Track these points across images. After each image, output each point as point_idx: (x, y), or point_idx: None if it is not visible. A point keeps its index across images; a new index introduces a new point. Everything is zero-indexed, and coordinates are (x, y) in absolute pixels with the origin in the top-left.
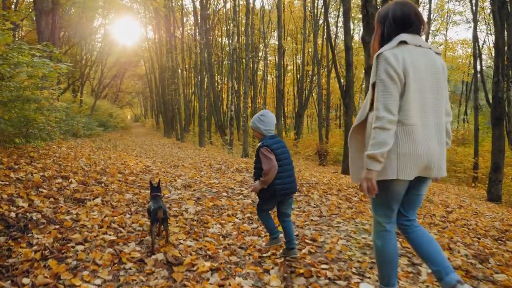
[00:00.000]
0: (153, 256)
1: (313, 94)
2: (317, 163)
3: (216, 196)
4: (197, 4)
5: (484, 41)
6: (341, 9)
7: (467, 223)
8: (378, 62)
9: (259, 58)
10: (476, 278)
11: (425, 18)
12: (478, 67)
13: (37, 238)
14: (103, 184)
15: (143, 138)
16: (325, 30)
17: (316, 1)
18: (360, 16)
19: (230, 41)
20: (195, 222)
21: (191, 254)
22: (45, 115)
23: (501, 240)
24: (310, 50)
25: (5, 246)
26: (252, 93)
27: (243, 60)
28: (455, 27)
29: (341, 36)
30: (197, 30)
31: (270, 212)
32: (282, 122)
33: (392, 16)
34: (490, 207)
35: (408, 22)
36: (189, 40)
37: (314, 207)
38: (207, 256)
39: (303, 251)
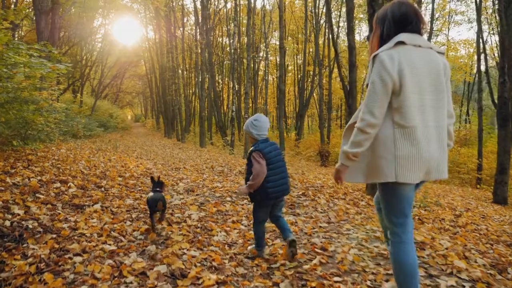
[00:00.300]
0: (155, 268)
1: (314, 94)
2: (319, 163)
3: (220, 201)
4: (198, 4)
5: (486, 41)
6: (343, 10)
7: (477, 228)
8: (373, 63)
9: (260, 58)
10: None
11: (428, 18)
12: (483, 67)
13: (33, 249)
14: (103, 189)
15: (144, 138)
16: (327, 30)
17: (318, 1)
18: (361, 16)
19: (231, 41)
20: (199, 230)
21: (195, 266)
22: (44, 116)
23: None
24: (311, 50)
25: None
26: (252, 93)
27: (244, 60)
28: (457, 27)
29: (342, 36)
30: (198, 30)
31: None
32: (283, 122)
33: (391, 15)
34: (496, 209)
35: (407, 21)
36: (190, 40)
37: (321, 212)
38: (213, 268)
39: (314, 261)
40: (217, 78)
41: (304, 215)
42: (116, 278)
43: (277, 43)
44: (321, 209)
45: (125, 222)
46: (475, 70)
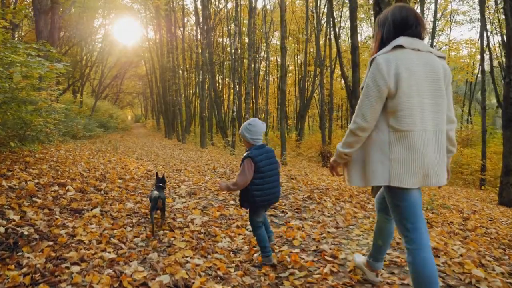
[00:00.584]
0: (157, 279)
1: (315, 94)
2: (321, 164)
3: (224, 205)
4: (198, 4)
5: (488, 42)
6: (343, 9)
7: (487, 232)
8: (370, 67)
9: (261, 58)
10: None
11: (431, 18)
12: (488, 67)
13: (28, 257)
14: (102, 192)
15: (144, 139)
16: (328, 30)
17: (319, 0)
18: (363, 16)
19: (232, 41)
20: (202, 235)
21: (200, 275)
22: (43, 117)
23: None
24: (311, 50)
25: None
26: (253, 94)
27: (245, 61)
28: (459, 27)
29: (342, 36)
30: (199, 30)
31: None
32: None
33: (392, 19)
34: (502, 211)
35: (407, 25)
36: (190, 40)
37: (328, 216)
38: (218, 277)
39: (325, 270)
40: (217, 79)
41: (311, 219)
42: None
43: (278, 43)
44: (328, 213)
45: (125, 228)
46: (476, 70)
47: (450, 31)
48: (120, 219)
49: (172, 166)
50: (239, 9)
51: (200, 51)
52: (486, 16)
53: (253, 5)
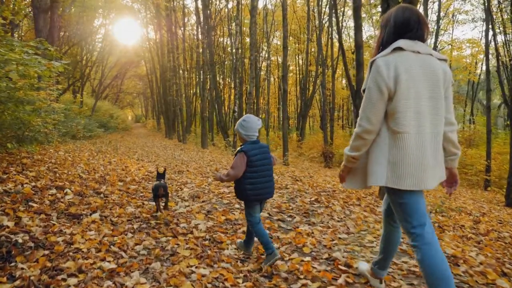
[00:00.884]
0: None
1: (316, 94)
2: (323, 165)
3: (228, 209)
4: (199, 3)
5: (490, 40)
6: (345, 9)
7: (500, 236)
8: (370, 69)
9: (262, 58)
10: None
11: (434, 17)
12: (491, 67)
13: (22, 268)
14: (102, 195)
15: (145, 139)
16: (330, 29)
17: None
18: (364, 15)
19: (233, 41)
20: (207, 242)
21: (206, 287)
22: (42, 117)
23: None
24: (312, 50)
25: None
26: (254, 94)
27: (245, 60)
28: (461, 26)
29: (343, 36)
30: (200, 30)
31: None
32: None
33: (394, 20)
34: (510, 213)
35: (409, 27)
36: (191, 39)
37: (338, 221)
38: None
39: (339, 281)
40: (218, 78)
41: (321, 224)
42: None
43: (279, 43)
44: (338, 217)
45: (126, 234)
46: (479, 70)
47: (453, 30)
48: (120, 225)
49: (174, 168)
50: (240, 8)
51: (201, 50)
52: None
53: (255, 4)
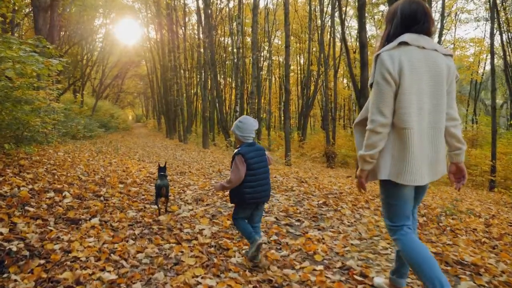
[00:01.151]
0: None
1: (317, 94)
2: (325, 165)
3: None
4: (200, 3)
5: (502, 37)
6: (347, 8)
7: None
8: (375, 63)
9: (263, 57)
10: None
11: (438, 16)
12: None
13: (15, 280)
14: (102, 198)
15: (145, 139)
16: (332, 29)
17: None
18: (366, 15)
19: (235, 39)
20: (212, 249)
21: None
22: (41, 117)
23: None
24: (314, 49)
25: None
26: (256, 93)
27: (247, 60)
28: (463, 25)
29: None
30: (201, 29)
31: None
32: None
33: (400, 13)
34: None
35: (415, 21)
36: (192, 39)
37: (349, 225)
38: None
39: None
40: (219, 78)
41: (331, 229)
42: None
43: (280, 42)
44: (348, 222)
45: (127, 241)
46: (482, 70)
47: (455, 30)
48: (121, 231)
49: (176, 168)
50: (241, 7)
51: (202, 50)
52: (489, 15)
53: (257, 2)
